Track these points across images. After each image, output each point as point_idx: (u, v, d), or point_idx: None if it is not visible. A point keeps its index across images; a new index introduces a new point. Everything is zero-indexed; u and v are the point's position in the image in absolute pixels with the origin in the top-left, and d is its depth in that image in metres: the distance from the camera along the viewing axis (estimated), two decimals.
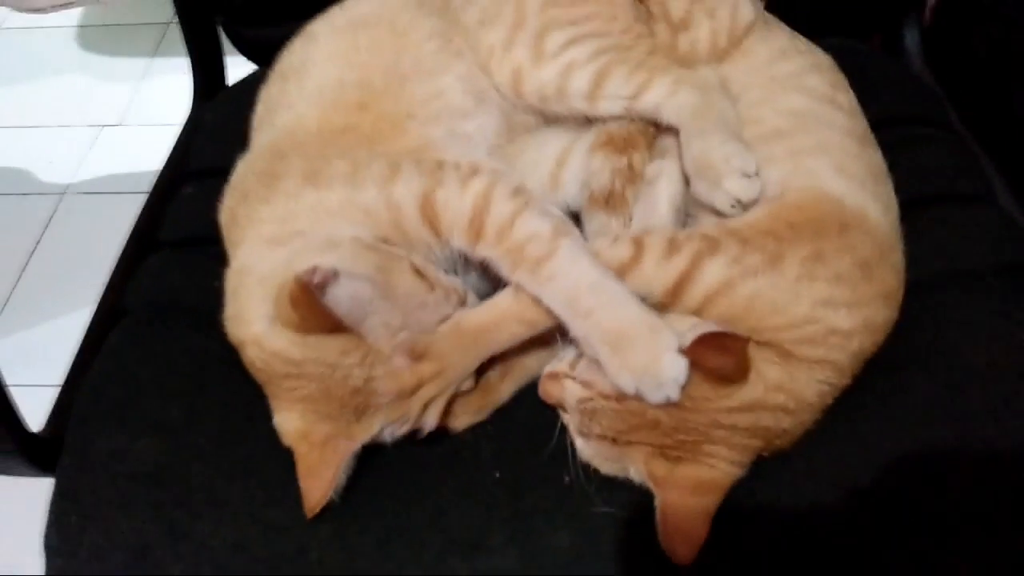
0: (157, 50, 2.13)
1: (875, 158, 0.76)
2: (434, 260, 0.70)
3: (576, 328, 0.63)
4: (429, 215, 0.68)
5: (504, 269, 0.66)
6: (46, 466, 0.67)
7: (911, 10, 1.01)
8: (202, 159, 0.90)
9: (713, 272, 0.64)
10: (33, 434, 0.66)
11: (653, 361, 0.60)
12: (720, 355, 0.59)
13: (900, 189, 0.76)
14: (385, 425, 0.64)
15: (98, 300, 0.84)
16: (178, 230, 0.83)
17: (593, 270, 0.64)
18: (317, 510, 0.60)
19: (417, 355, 0.63)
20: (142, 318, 0.75)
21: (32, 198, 1.83)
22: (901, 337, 0.67)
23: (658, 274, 0.65)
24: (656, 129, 0.80)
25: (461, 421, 0.69)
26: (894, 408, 0.65)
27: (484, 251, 0.67)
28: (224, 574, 0.59)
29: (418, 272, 0.66)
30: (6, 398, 0.62)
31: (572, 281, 0.64)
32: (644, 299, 0.65)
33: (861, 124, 0.78)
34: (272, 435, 0.63)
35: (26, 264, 1.68)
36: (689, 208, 0.76)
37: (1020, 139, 0.89)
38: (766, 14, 0.87)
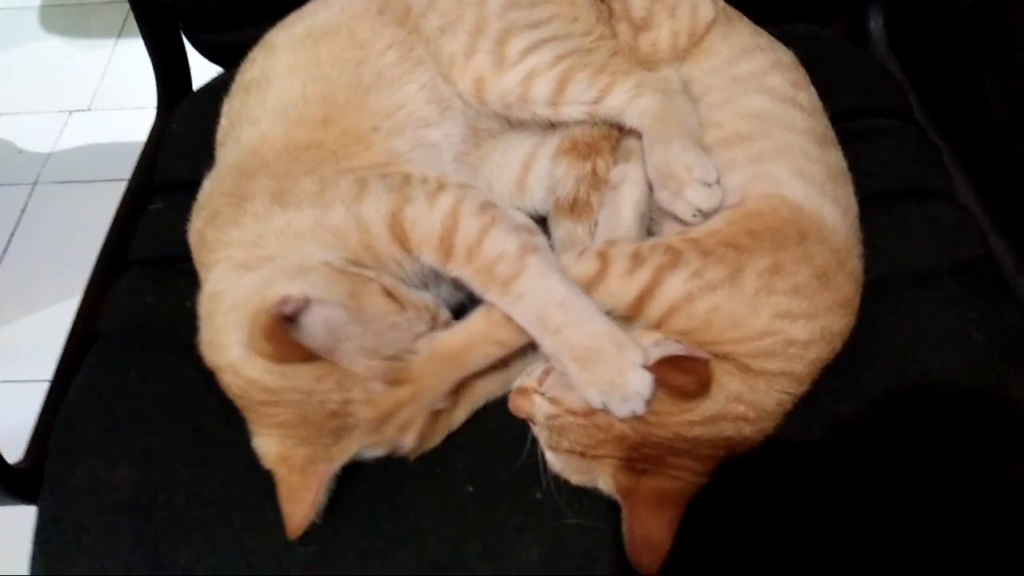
0: (122, 30, 2.09)
1: (834, 158, 0.77)
2: (404, 276, 0.71)
3: (546, 344, 0.65)
4: (398, 233, 0.69)
5: (476, 287, 0.68)
6: (28, 496, 0.68)
7: None
8: (169, 172, 0.90)
9: (674, 286, 0.66)
10: (12, 467, 0.67)
11: (619, 376, 0.62)
12: (682, 374, 0.61)
13: (860, 184, 0.77)
14: (363, 445, 0.66)
15: (71, 319, 0.84)
16: (148, 248, 0.83)
17: (561, 287, 0.66)
18: (299, 533, 0.62)
19: (393, 380, 0.64)
20: (115, 342, 0.76)
21: (4, 188, 1.80)
22: (858, 338, 0.69)
23: (622, 289, 0.67)
24: (620, 132, 0.81)
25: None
26: (849, 409, 0.67)
27: (455, 270, 0.68)
28: None
29: (388, 294, 0.67)
30: None
31: (541, 299, 0.65)
32: (609, 312, 0.67)
33: (821, 123, 0.79)
34: (249, 460, 0.65)
35: (1, 257, 1.67)
36: (653, 212, 0.78)
37: (982, 127, 0.91)
38: (728, 9, 0.87)
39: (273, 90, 0.79)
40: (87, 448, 0.69)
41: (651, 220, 0.78)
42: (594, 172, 0.79)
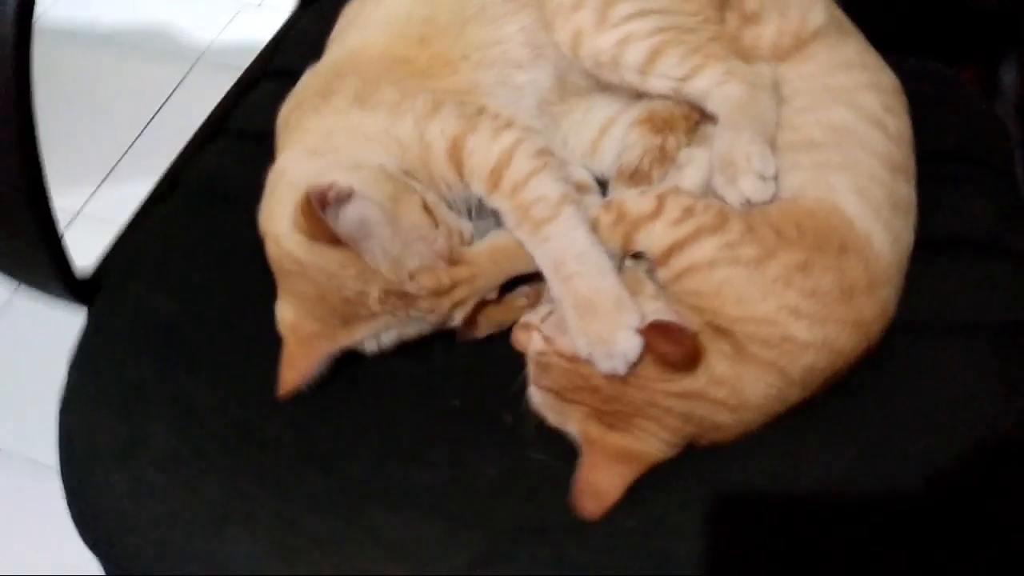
0: None
1: (903, 189, 0.75)
2: (450, 200, 0.75)
3: (556, 288, 0.68)
4: (455, 157, 0.73)
5: (510, 222, 0.71)
6: (86, 301, 0.77)
7: (1011, 47, 0.96)
8: (285, 60, 0.97)
9: (704, 249, 0.67)
10: (79, 280, 0.75)
11: (609, 333, 0.64)
12: (669, 343, 0.62)
13: (930, 224, 0.76)
14: (367, 336, 0.70)
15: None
16: (244, 121, 0.90)
17: (585, 240, 0.69)
18: (286, 395, 0.68)
19: (453, 260, 0.70)
20: (190, 194, 0.84)
21: (165, 63, 1.95)
22: (873, 368, 0.68)
23: (663, 235, 0.69)
24: (701, 115, 0.82)
25: (483, 330, 0.75)
26: (837, 432, 0.66)
27: (496, 202, 0.72)
28: (198, 428, 0.68)
29: (427, 209, 0.71)
30: (60, 249, 0.71)
31: (563, 246, 0.68)
32: (644, 255, 0.70)
33: (902, 153, 0.77)
34: (271, 320, 0.71)
35: (146, 127, 1.82)
36: None
37: None
38: (844, 22, 0.86)
39: (386, 3, 0.85)
40: (142, 273, 0.77)
41: None
42: (663, 147, 0.81)
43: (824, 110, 0.78)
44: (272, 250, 0.72)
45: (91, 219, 1.66)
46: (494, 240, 0.73)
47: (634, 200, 0.72)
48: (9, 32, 0.62)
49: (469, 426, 0.70)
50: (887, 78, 0.82)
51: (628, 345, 0.64)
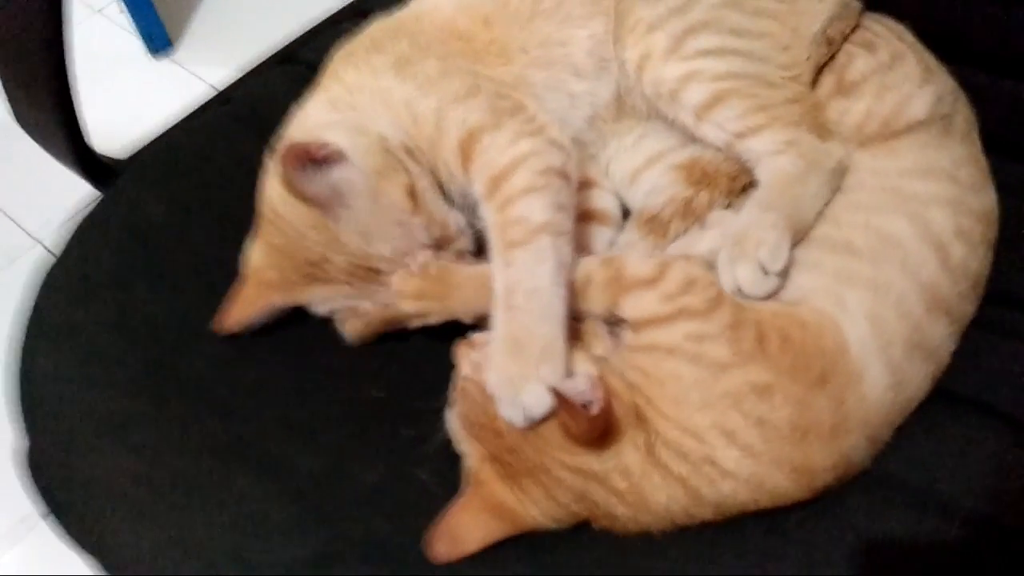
0: None
1: (935, 331, 0.65)
2: (448, 191, 0.72)
3: (497, 315, 0.64)
4: (466, 150, 0.69)
5: (490, 234, 0.67)
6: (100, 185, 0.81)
7: None
8: (373, 3, 0.96)
9: (672, 334, 0.62)
10: (97, 161, 0.79)
11: (521, 379, 0.60)
12: (572, 416, 0.57)
13: (966, 381, 0.66)
14: (320, 300, 0.69)
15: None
16: (316, 54, 0.89)
17: (545, 278, 0.63)
18: (221, 331, 0.69)
19: (430, 274, 0.67)
20: (235, 113, 0.85)
21: None
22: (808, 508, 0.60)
23: (649, 306, 0.63)
24: (749, 180, 0.74)
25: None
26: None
27: (487, 211, 0.68)
28: (128, 337, 0.70)
29: (412, 193, 0.68)
30: (76, 126, 0.75)
31: (520, 276, 0.64)
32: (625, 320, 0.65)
33: (955, 288, 0.66)
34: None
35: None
36: None
37: None
38: (958, 125, 0.74)
39: None
40: (150, 174, 0.80)
41: None
42: (690, 201, 0.74)
43: (880, 215, 0.68)
44: (263, 190, 0.72)
45: None
46: (484, 269, 0.67)
47: (635, 262, 0.65)
48: None
49: (374, 424, 0.68)
50: (979, 201, 0.71)
51: (533, 400, 0.59)
